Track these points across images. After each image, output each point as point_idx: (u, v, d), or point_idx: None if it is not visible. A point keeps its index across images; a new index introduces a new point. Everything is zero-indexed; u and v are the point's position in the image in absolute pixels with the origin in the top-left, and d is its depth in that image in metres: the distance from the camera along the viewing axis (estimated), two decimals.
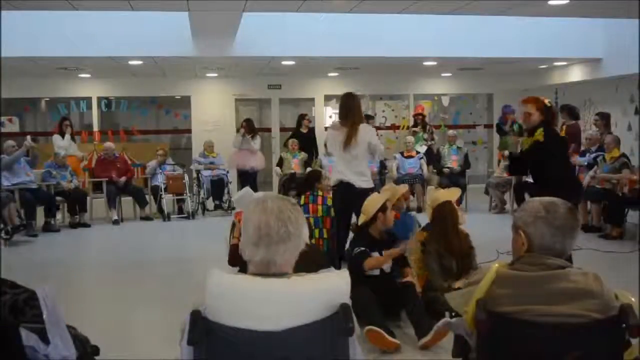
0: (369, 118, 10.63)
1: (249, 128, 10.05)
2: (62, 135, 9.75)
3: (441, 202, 4.68)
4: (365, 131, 5.35)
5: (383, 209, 4.51)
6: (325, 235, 5.70)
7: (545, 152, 4.68)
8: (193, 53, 8.93)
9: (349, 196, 5.19)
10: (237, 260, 4.16)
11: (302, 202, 5.86)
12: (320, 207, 5.75)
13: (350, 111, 5.31)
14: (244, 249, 1.80)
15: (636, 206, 7.42)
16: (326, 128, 12.71)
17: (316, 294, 1.72)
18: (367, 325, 3.89)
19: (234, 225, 4.96)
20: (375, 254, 4.43)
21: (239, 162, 10.02)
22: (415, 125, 11.23)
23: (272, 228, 1.74)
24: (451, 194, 4.84)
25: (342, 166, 5.35)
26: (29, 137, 8.74)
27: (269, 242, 1.74)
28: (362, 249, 4.43)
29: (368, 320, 3.91)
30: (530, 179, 9.24)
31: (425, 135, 10.98)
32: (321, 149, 10.81)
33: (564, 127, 9.58)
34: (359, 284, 4.16)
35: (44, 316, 1.79)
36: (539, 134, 4.69)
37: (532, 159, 4.80)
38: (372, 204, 4.56)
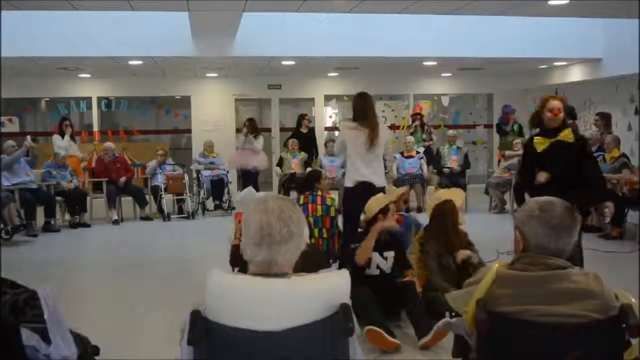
0: None
1: (251, 128, 10.03)
2: (62, 135, 9.75)
3: (441, 201, 4.69)
4: (384, 131, 5.41)
5: (384, 210, 4.51)
6: (325, 235, 5.70)
7: (575, 152, 4.47)
8: (193, 53, 8.93)
9: (368, 196, 5.17)
10: (238, 261, 4.16)
11: (301, 202, 5.85)
12: (319, 207, 5.74)
13: (367, 111, 5.32)
14: (245, 249, 1.79)
15: (636, 206, 7.42)
16: (326, 128, 12.75)
17: (316, 294, 1.72)
18: (367, 325, 3.89)
19: None
20: (375, 254, 4.45)
21: (242, 161, 10.00)
22: (412, 122, 11.18)
23: (274, 228, 1.74)
24: (455, 195, 4.84)
25: (362, 166, 5.26)
26: (29, 137, 8.75)
27: (270, 242, 1.74)
28: (358, 244, 4.44)
29: (368, 320, 3.91)
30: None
31: (424, 136, 10.98)
32: (321, 149, 10.81)
33: None
34: (359, 284, 4.16)
35: (45, 316, 1.79)
36: (567, 135, 4.48)
37: (559, 160, 4.47)
38: (375, 203, 4.57)
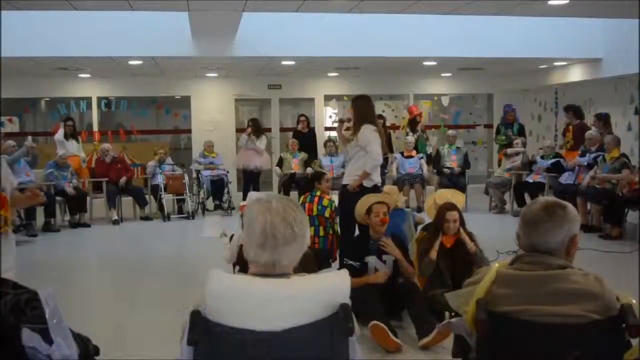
0: (379, 117, 10.58)
1: (254, 128, 10.05)
2: (65, 135, 9.73)
3: (442, 204, 4.68)
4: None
5: (368, 211, 4.56)
6: (321, 233, 5.69)
7: None
8: (193, 53, 8.93)
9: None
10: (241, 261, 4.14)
11: (300, 201, 5.86)
12: (315, 207, 5.74)
13: (375, 114, 5.38)
14: (248, 250, 1.79)
15: (636, 206, 7.42)
16: (326, 128, 12.75)
17: (316, 294, 1.73)
18: (370, 321, 3.88)
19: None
20: (372, 257, 4.48)
21: (244, 161, 10.01)
22: (411, 125, 11.02)
23: (277, 230, 1.73)
24: (455, 197, 4.84)
25: (377, 168, 5.33)
26: (29, 137, 8.76)
27: (275, 244, 1.73)
28: (350, 262, 4.47)
29: (370, 318, 3.90)
30: (529, 179, 9.18)
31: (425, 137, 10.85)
32: (320, 150, 10.82)
33: (571, 127, 9.56)
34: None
35: (47, 316, 1.79)
36: None
37: None
38: (362, 204, 4.63)
